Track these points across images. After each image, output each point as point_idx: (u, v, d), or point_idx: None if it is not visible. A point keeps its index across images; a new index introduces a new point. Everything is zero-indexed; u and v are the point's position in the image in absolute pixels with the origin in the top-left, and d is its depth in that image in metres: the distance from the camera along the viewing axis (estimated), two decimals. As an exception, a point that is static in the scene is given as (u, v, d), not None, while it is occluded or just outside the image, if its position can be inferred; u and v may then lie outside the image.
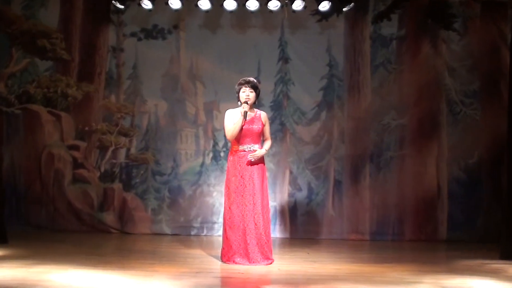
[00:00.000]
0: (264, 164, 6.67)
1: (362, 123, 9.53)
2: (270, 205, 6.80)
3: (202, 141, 9.68)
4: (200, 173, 9.59)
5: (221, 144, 9.63)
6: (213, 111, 9.65)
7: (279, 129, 9.62)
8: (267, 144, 6.72)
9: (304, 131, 9.57)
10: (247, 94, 6.55)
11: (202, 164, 9.64)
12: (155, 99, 9.62)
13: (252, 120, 6.59)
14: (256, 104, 6.74)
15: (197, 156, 9.64)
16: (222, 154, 9.59)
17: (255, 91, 6.64)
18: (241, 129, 6.44)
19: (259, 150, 6.41)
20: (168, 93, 9.68)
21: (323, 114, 9.61)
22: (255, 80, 6.71)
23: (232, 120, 6.56)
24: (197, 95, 9.68)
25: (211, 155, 9.66)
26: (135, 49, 9.65)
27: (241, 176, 6.39)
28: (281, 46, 9.62)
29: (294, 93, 9.65)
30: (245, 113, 6.46)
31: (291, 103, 9.63)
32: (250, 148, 6.55)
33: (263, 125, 6.68)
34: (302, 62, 9.60)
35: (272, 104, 9.68)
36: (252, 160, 6.41)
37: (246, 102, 6.46)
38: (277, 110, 9.65)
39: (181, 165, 9.59)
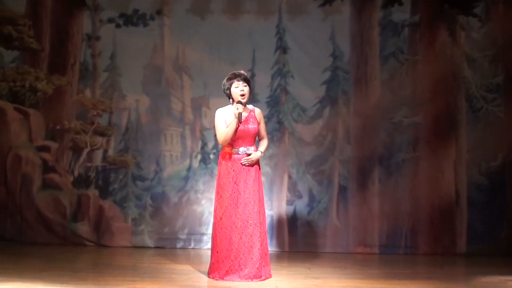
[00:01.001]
0: (259, 168, 6.65)
1: (370, 121, 9.55)
2: (266, 214, 6.87)
3: (189, 142, 9.69)
4: (187, 178, 9.62)
5: (210, 145, 9.65)
6: (202, 107, 9.66)
7: (277, 128, 9.63)
8: (263, 144, 6.70)
9: (305, 130, 9.61)
10: (241, 89, 6.53)
11: (189, 168, 9.67)
12: (136, 93, 9.67)
13: (247, 120, 6.57)
14: (248, 99, 6.76)
15: (184, 158, 9.67)
16: (212, 156, 9.61)
17: (249, 85, 6.65)
18: (236, 130, 6.50)
19: (254, 153, 6.43)
20: (151, 87, 9.70)
21: (326, 111, 9.65)
22: (246, 73, 6.71)
23: (224, 121, 6.53)
24: (183, 89, 9.71)
25: (199, 157, 9.68)
26: (113, 37, 9.68)
27: (235, 182, 6.38)
28: (278, 34, 9.65)
29: (293, 87, 9.68)
30: (240, 115, 6.45)
31: (290, 98, 9.67)
32: (245, 151, 6.55)
33: (258, 124, 6.71)
34: (303, 52, 9.63)
35: (268, 99, 9.70)
36: (246, 164, 6.46)
37: (240, 102, 6.45)
38: (274, 107, 9.68)
39: (166, 169, 9.63)
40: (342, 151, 9.60)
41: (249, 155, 6.44)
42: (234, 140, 6.45)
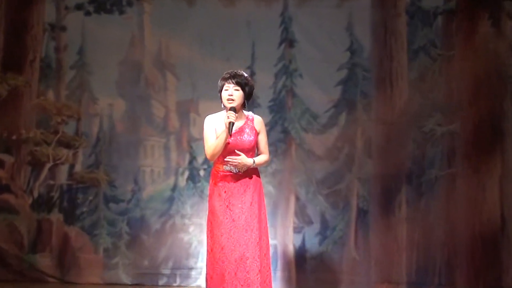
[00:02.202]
0: (261, 187, 6.48)
1: (395, 130, 9.56)
2: (269, 244, 6.60)
3: (174, 155, 9.68)
4: (171, 200, 9.61)
5: (200, 159, 9.60)
6: (190, 113, 9.66)
7: (281, 139, 9.61)
8: (260, 158, 6.48)
9: (316, 142, 9.63)
10: (230, 93, 6.31)
11: (175, 187, 9.66)
12: (110, 96, 9.69)
13: (242, 130, 6.33)
14: (247, 105, 6.46)
15: (168, 175, 9.67)
16: (202, 173, 9.60)
17: (243, 89, 6.37)
18: (227, 143, 6.30)
19: (243, 157, 6.25)
20: (128, 88, 9.72)
21: (342, 118, 9.64)
22: (244, 74, 6.43)
23: (214, 131, 6.33)
24: (167, 91, 9.70)
25: (186, 174, 9.66)
26: (81, 27, 9.70)
27: (227, 206, 6.24)
28: (283, 24, 9.66)
29: (301, 88, 9.66)
30: (231, 124, 6.20)
31: (297, 102, 9.65)
32: (240, 169, 6.34)
33: (257, 135, 6.45)
34: (313, 45, 9.63)
35: (271, 104, 9.69)
36: (235, 171, 6.23)
37: (233, 109, 6.24)
38: (278, 113, 9.67)
39: (145, 188, 9.65)
40: (361, 166, 9.60)
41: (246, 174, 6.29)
42: (226, 155, 6.27)
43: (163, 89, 9.76)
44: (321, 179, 9.64)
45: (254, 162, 6.34)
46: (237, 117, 6.24)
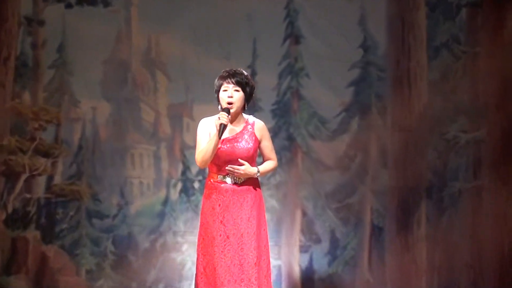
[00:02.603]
0: (261, 200, 6.27)
1: (414, 137, 9.53)
2: (272, 266, 6.36)
3: (165, 165, 9.64)
4: (162, 215, 9.53)
5: (195, 169, 9.53)
6: (183, 118, 9.61)
7: (286, 147, 9.56)
8: (267, 165, 6.33)
9: (325, 150, 9.58)
10: (229, 94, 6.13)
11: (166, 201, 9.59)
12: (93, 99, 9.62)
13: (240, 136, 6.19)
14: (247, 108, 6.21)
15: (158, 188, 9.63)
16: (196, 185, 9.57)
17: (244, 90, 6.23)
18: (219, 150, 6.12)
19: (246, 166, 6.07)
20: (113, 90, 9.65)
21: (354, 123, 9.60)
22: (245, 72, 6.25)
23: (208, 135, 6.19)
24: (157, 93, 9.64)
25: (179, 186, 9.59)
26: (62, 22, 9.61)
27: (221, 222, 5.99)
28: (288, 18, 9.59)
29: (309, 90, 9.59)
30: (222, 126, 6.03)
31: (304, 105, 9.59)
32: (236, 179, 6.12)
33: (258, 142, 6.25)
34: (322, 42, 9.56)
35: (274, 107, 9.61)
36: (231, 181, 6.03)
37: (226, 110, 6.09)
38: (282, 117, 9.61)
39: (133, 202, 9.59)
40: (376, 178, 9.58)
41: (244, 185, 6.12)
42: (220, 164, 6.09)
43: (153, 91, 9.70)
44: (330, 192, 9.60)
45: (258, 171, 6.20)
46: (229, 120, 6.12)
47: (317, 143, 9.62)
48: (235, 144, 6.14)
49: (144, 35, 9.69)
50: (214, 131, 6.12)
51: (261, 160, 6.38)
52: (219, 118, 6.04)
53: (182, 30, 9.60)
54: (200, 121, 6.26)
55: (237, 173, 6.11)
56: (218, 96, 6.19)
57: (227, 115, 6.04)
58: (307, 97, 9.61)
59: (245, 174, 6.13)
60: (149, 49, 9.72)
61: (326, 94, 9.61)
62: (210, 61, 9.41)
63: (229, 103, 6.11)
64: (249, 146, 6.16)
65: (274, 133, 9.34)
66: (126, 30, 9.68)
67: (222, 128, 6.01)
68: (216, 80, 6.18)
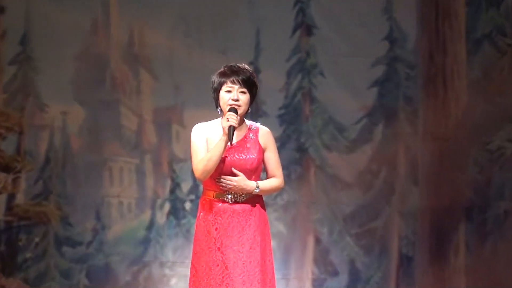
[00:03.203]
0: (266, 223, 6.04)
1: (451, 148, 9.37)
2: None
3: (150, 181, 9.48)
4: (146, 242, 9.37)
5: (186, 186, 9.39)
6: (172, 124, 9.45)
7: (296, 160, 9.38)
8: (270, 182, 6.09)
9: (343, 163, 9.39)
10: (234, 96, 5.94)
11: (151, 225, 9.40)
12: (63, 102, 9.44)
13: (241, 145, 6.02)
14: (249, 112, 6.04)
15: (141, 209, 9.43)
16: (188, 205, 9.39)
17: (250, 91, 6.05)
18: (223, 160, 5.94)
19: (241, 178, 5.90)
20: (88, 91, 9.47)
21: (378, 131, 9.41)
22: (250, 69, 6.04)
23: (205, 142, 6.01)
24: (141, 95, 9.46)
25: (167, 207, 9.38)
26: (25, 9, 9.45)
27: (218, 249, 5.84)
28: (299, 4, 9.41)
29: (323, 91, 9.37)
30: (231, 128, 5.87)
31: (318, 110, 9.38)
32: (236, 198, 5.94)
33: (263, 152, 6.06)
34: (339, 33, 9.39)
35: (282, 112, 9.41)
36: (231, 200, 5.89)
37: (233, 110, 5.92)
38: (291, 124, 9.41)
39: (111, 227, 9.40)
40: (404, 197, 9.38)
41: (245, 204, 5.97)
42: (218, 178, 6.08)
43: (136, 92, 9.49)
44: (349, 214, 9.40)
45: (257, 186, 5.97)
46: (238, 122, 5.96)
47: (333, 155, 9.43)
48: (236, 154, 5.94)
49: (125, 24, 9.53)
50: (213, 139, 5.97)
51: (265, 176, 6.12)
52: (227, 119, 5.87)
53: (171, 18, 9.46)
54: (194, 127, 6.01)
55: (229, 185, 5.86)
56: (216, 95, 5.98)
57: (235, 115, 5.85)
58: (321, 99, 9.42)
59: (240, 188, 5.88)
60: (131, 42, 9.54)
61: (345, 96, 9.44)
62: (204, 56, 9.23)
63: (235, 106, 5.92)
64: (253, 156, 5.96)
65: (281, 144, 9.13)
66: (104, 19, 9.53)
67: (232, 130, 5.83)
68: (216, 76, 5.97)
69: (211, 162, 5.85)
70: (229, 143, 5.88)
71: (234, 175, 5.92)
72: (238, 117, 5.88)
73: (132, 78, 9.51)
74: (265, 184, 6.01)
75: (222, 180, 5.86)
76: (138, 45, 9.50)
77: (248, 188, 5.90)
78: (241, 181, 5.88)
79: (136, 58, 9.49)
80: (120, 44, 9.51)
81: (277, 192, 6.61)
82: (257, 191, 5.91)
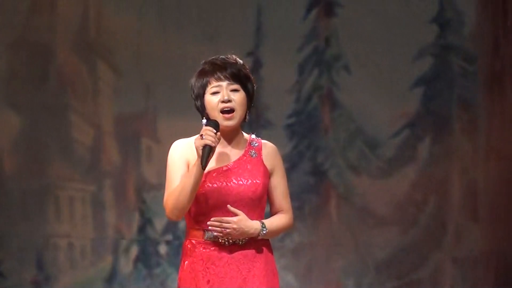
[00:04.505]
0: (274, 272, 5.00)
1: None
2: None
3: (111, 216, 8.76)
4: None
5: (160, 223, 8.68)
6: (142, 138, 8.74)
7: (311, 186, 8.71)
8: (278, 219, 5.10)
9: (376, 191, 8.61)
10: (224, 97, 5.09)
11: (113, 276, 8.68)
12: None
13: (241, 166, 5.15)
14: (248, 120, 5.12)
15: (100, 254, 8.71)
16: (163, 249, 8.74)
17: (245, 88, 5.16)
18: (205, 189, 4.98)
19: (241, 217, 4.94)
20: (25, 92, 8.83)
21: (424, 148, 8.66)
22: (240, 61, 5.06)
23: (185, 165, 5.07)
24: (99, 97, 8.74)
25: (134, 251, 8.66)
26: None
27: None
28: None
29: (349, 92, 8.63)
30: (207, 149, 4.98)
31: (341, 117, 8.66)
32: (235, 239, 5.05)
33: (269, 176, 5.11)
34: (371, 13, 8.62)
35: (292, 121, 8.71)
36: (227, 242, 5.03)
37: (213, 124, 5.06)
38: (305, 137, 8.71)
39: (59, 278, 8.61)
40: (459, 237, 8.66)
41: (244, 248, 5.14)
42: (208, 212, 5.08)
43: (92, 94, 8.74)
44: (385, 260, 8.60)
45: (264, 227, 5.09)
46: (219, 139, 5.11)
47: (362, 180, 8.66)
48: (233, 179, 5.08)
49: (78, 2, 8.82)
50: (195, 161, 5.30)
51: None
52: (201, 136, 4.96)
53: (140, -4, 9.30)
54: (173, 145, 5.13)
55: (225, 230, 4.96)
56: (201, 103, 5.01)
57: (214, 131, 4.94)
58: (345, 104, 8.61)
59: (241, 231, 5.00)
60: (85, 26, 8.77)
61: (378, 100, 8.61)
62: (184, 45, 8.52)
63: (227, 111, 4.96)
64: (257, 181, 5.05)
65: (291, 164, 8.51)
66: (49, -5, 9.24)
67: (208, 152, 4.93)
68: (195, 78, 5.00)
69: (183, 196, 4.93)
70: (203, 166, 4.91)
71: (238, 199, 4.91)
72: (219, 134, 4.96)
73: (87, 75, 8.74)
74: (273, 224, 4.99)
75: (215, 223, 4.85)
76: (94, 30, 8.81)
77: (252, 231, 4.90)
78: (241, 222, 4.93)
79: (91, 47, 8.75)
80: (70, 29, 8.75)
81: (286, 231, 5.45)
82: (264, 233, 4.88)
